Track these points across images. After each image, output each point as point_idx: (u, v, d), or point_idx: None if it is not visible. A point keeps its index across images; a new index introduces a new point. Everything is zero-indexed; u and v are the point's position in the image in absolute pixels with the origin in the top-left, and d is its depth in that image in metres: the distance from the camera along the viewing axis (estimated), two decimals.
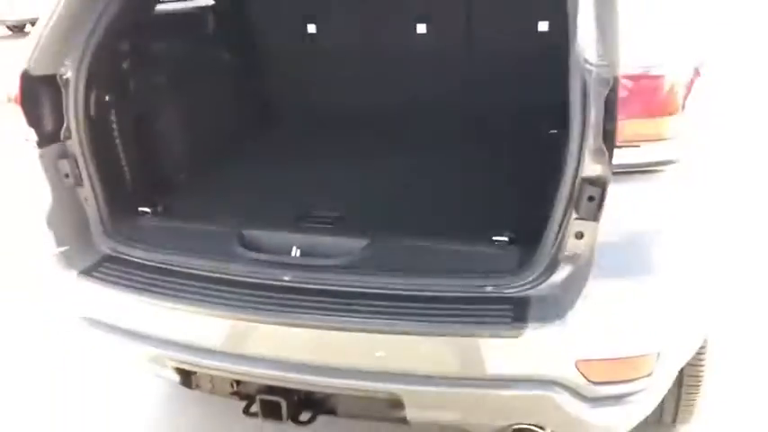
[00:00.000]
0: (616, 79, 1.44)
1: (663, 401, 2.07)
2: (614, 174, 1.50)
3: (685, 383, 2.06)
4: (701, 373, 2.07)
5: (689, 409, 2.16)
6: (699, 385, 2.10)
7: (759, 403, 2.43)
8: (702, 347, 1.99)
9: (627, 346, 1.59)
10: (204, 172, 2.39)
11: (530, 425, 1.68)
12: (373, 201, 2.25)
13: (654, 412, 1.97)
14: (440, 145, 2.60)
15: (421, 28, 2.78)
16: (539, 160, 1.59)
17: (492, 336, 1.56)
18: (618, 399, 1.64)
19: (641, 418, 1.75)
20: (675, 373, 1.77)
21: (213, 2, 2.84)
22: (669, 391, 1.96)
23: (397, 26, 2.77)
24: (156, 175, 2.19)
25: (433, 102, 2.76)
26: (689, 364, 1.97)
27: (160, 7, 2.46)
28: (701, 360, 2.02)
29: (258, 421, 1.82)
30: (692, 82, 1.56)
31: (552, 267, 1.59)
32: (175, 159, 2.30)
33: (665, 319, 1.60)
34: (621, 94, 1.46)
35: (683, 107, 1.54)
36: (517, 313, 1.58)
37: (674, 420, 2.21)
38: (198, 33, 2.82)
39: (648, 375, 1.62)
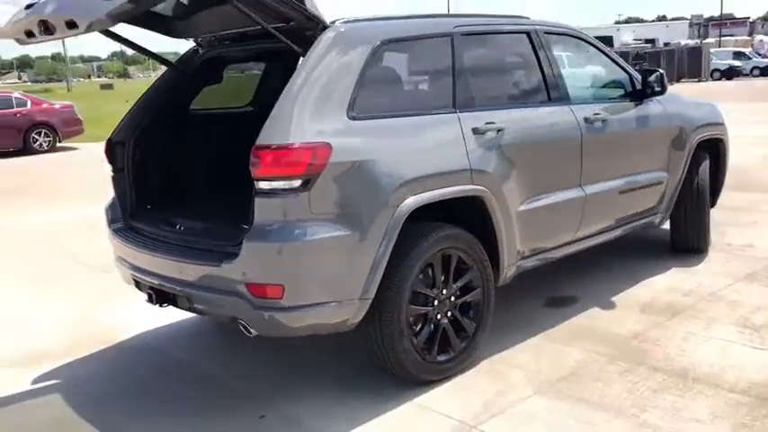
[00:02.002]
0: (263, 150, 3.11)
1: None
2: (271, 194, 3.14)
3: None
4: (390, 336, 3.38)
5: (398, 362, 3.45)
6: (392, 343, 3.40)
7: None
8: (384, 312, 3.34)
9: (264, 278, 3.15)
10: (175, 196, 4.29)
11: (243, 321, 3.31)
12: (207, 210, 4.09)
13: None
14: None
15: None
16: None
17: (210, 265, 3.29)
18: (277, 309, 3.17)
19: (303, 325, 3.23)
20: (326, 308, 3.19)
21: (252, 108, 4.92)
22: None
23: None
24: (157, 193, 4.18)
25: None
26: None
27: (196, 112, 4.59)
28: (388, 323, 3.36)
29: None
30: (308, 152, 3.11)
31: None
32: (166, 187, 4.23)
33: (286, 267, 3.14)
34: (267, 156, 3.12)
35: (309, 164, 3.11)
36: (224, 257, 3.26)
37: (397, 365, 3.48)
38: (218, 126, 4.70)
39: (281, 298, 3.15)
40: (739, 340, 3.98)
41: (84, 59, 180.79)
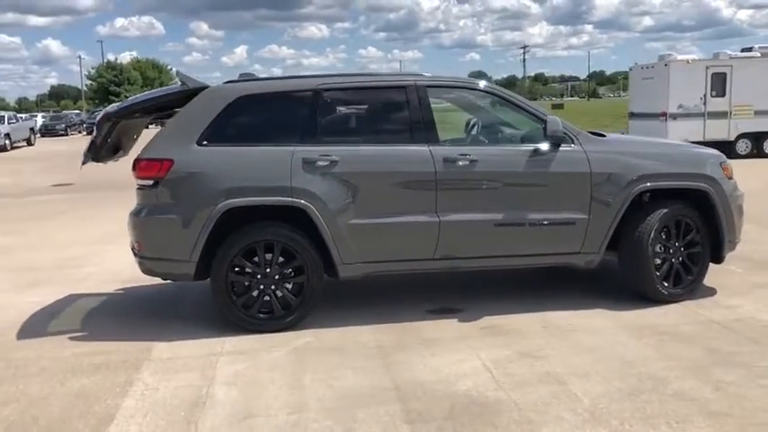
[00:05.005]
0: (137, 160, 5.22)
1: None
2: (140, 188, 5.24)
3: None
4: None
5: None
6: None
7: None
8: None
9: (134, 237, 5.22)
10: None
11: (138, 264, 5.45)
12: None
13: None
14: None
15: None
16: None
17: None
18: (144, 258, 5.24)
19: (163, 272, 5.22)
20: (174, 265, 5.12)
21: None
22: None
23: None
24: None
25: None
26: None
27: None
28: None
29: None
30: (161, 165, 5.08)
31: None
32: None
33: (140, 231, 5.18)
34: (139, 165, 5.21)
35: (157, 171, 5.10)
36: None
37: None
38: None
39: (141, 251, 5.19)
40: (473, 359, 4.55)
41: (563, 79, 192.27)
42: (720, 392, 3.97)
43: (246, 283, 5.20)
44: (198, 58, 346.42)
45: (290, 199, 5.11)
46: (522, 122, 5.66)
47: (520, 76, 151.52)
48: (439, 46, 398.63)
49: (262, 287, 5.19)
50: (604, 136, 5.88)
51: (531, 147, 5.43)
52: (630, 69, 21.45)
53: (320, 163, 5.15)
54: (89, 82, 76.34)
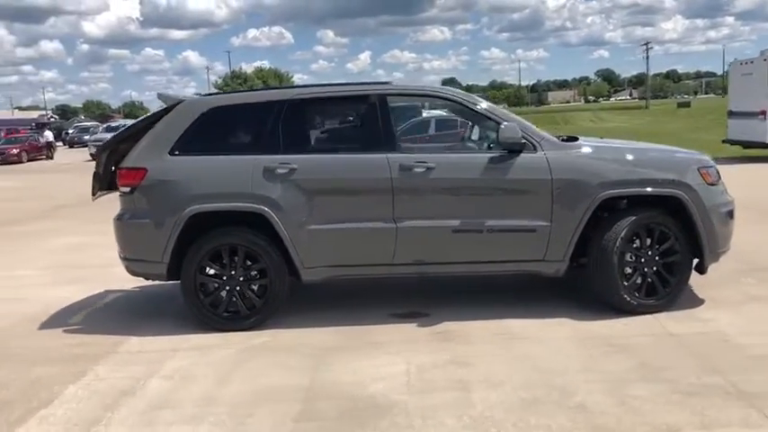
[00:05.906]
0: (118, 169, 5.68)
1: None
2: (121, 194, 5.70)
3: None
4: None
5: None
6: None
7: None
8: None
9: (117, 240, 5.69)
10: None
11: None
12: None
13: None
14: None
15: None
16: None
17: None
18: (125, 259, 5.71)
19: (142, 271, 5.66)
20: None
21: None
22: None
23: None
24: None
25: None
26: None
27: None
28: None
29: None
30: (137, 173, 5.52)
31: None
32: None
33: (119, 234, 5.63)
34: (120, 173, 5.69)
35: (132, 178, 5.54)
36: None
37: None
38: None
39: (121, 252, 5.66)
40: (401, 363, 4.63)
41: (698, 75, 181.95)
42: (624, 407, 3.86)
43: (215, 285, 5.54)
44: (324, 66, 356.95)
45: (251, 205, 5.39)
46: (489, 129, 5.65)
47: (651, 73, 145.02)
48: (565, 44, 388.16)
49: (228, 288, 5.51)
50: (577, 140, 5.77)
51: (489, 154, 5.43)
52: (730, 65, 20.18)
53: (280, 171, 5.40)
54: (216, 91, 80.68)
